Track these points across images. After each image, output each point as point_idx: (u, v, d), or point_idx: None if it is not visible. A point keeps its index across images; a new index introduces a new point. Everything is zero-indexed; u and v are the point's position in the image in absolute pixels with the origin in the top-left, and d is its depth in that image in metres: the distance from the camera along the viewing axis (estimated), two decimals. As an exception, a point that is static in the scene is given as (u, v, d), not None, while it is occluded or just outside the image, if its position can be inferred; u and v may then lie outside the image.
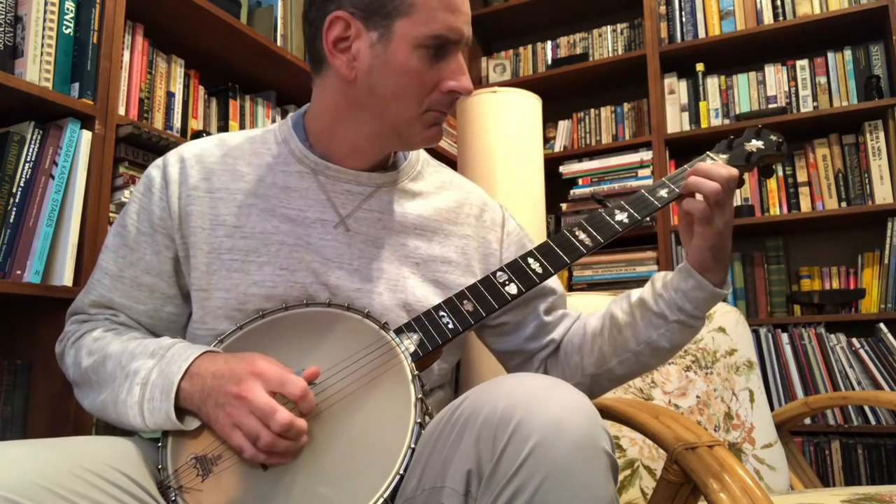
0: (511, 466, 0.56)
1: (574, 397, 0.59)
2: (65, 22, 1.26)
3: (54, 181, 1.19)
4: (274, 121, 1.87)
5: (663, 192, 0.84)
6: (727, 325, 1.41)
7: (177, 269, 0.83)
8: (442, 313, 0.78)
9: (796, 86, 2.35)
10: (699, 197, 0.79)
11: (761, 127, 0.91)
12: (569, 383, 0.62)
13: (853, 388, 2.04)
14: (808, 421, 2.07)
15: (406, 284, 0.83)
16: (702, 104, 2.44)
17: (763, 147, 0.89)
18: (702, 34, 2.45)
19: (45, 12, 1.23)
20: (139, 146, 1.37)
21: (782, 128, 2.22)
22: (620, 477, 1.20)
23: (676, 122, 2.46)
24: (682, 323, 0.81)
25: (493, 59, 2.89)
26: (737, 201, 2.37)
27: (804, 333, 2.15)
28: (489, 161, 1.85)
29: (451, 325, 0.77)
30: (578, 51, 2.73)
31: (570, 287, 2.46)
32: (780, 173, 2.35)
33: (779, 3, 2.36)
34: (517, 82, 2.63)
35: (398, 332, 0.76)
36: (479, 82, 2.88)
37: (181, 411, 0.71)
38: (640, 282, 2.32)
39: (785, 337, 2.16)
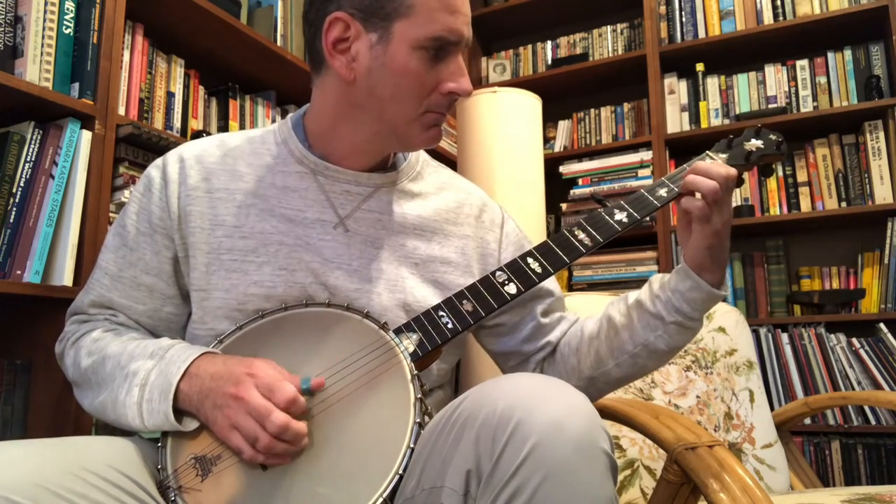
0: (510, 466, 0.56)
1: (573, 397, 0.59)
2: (65, 22, 1.26)
3: (54, 181, 1.19)
4: (274, 121, 1.87)
5: (662, 192, 0.84)
6: (727, 325, 1.42)
7: (176, 270, 0.83)
8: (441, 313, 0.78)
9: (796, 86, 2.35)
10: (698, 196, 0.79)
11: (761, 126, 0.91)
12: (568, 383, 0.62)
13: (853, 388, 2.04)
14: (808, 421, 2.07)
15: (405, 285, 0.83)
16: (702, 104, 2.44)
17: (762, 146, 0.89)
18: (702, 34, 2.45)
19: (45, 12, 1.23)
20: (139, 146, 1.37)
21: (782, 128, 2.22)
22: (620, 477, 1.20)
23: (676, 122, 2.46)
24: (680, 324, 0.81)
25: (493, 59, 2.89)
26: (737, 201, 2.37)
27: (804, 333, 2.15)
28: (489, 161, 1.85)
29: (450, 325, 0.77)
30: (578, 51, 2.73)
31: (570, 287, 2.46)
32: (780, 173, 2.35)
33: (779, 3, 2.36)
34: (517, 82, 2.63)
35: (397, 332, 0.76)
36: (479, 82, 2.88)
37: (180, 412, 0.71)
38: (639, 282, 2.32)
39: (785, 337, 2.16)
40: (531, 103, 1.95)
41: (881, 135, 2.19)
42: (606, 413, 0.96)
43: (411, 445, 0.66)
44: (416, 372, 0.71)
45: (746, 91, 2.41)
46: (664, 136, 2.41)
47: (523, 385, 0.61)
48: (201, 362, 0.72)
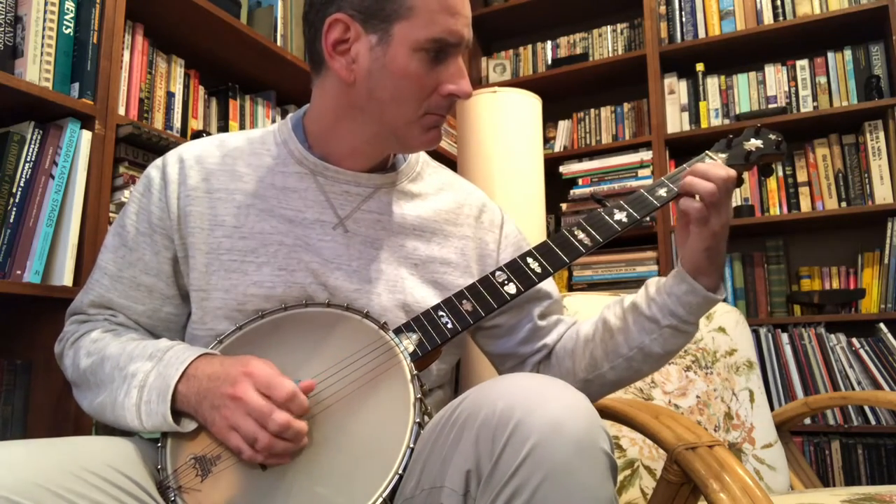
0: (510, 466, 0.56)
1: (573, 397, 0.59)
2: (65, 22, 1.26)
3: (54, 181, 1.19)
4: (274, 121, 1.87)
5: (662, 192, 0.84)
6: (727, 325, 1.42)
7: (175, 270, 0.83)
8: (441, 313, 0.78)
9: (796, 86, 2.35)
10: (697, 197, 0.78)
11: (760, 126, 0.91)
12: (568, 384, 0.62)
13: (853, 388, 2.04)
14: (808, 421, 2.07)
15: (405, 285, 0.83)
16: (702, 104, 2.44)
17: (762, 146, 0.89)
18: (702, 34, 2.45)
19: (45, 12, 1.23)
20: (139, 146, 1.37)
21: (782, 128, 2.22)
22: (620, 477, 1.20)
23: (676, 122, 2.46)
24: (675, 328, 0.80)
25: (493, 59, 2.89)
26: (737, 201, 2.37)
27: (804, 333, 2.15)
28: (489, 161, 1.85)
29: (450, 325, 0.77)
30: (578, 51, 2.73)
31: (570, 287, 2.46)
32: (780, 173, 2.35)
33: (779, 3, 2.36)
34: (517, 82, 2.63)
35: (397, 332, 0.76)
36: (479, 82, 2.88)
37: (178, 413, 0.71)
38: (639, 282, 2.31)
39: (785, 337, 2.16)
40: (531, 103, 1.95)
41: (881, 135, 2.19)
42: (606, 413, 0.96)
43: (411, 445, 0.66)
44: (415, 372, 0.71)
45: (746, 91, 2.41)
46: (664, 136, 2.41)
47: (523, 385, 0.61)
48: (199, 363, 0.72)
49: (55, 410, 1.19)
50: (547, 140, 2.71)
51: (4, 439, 1.12)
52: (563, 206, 2.53)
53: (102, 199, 1.26)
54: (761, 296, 2.32)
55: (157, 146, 1.37)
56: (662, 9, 2.53)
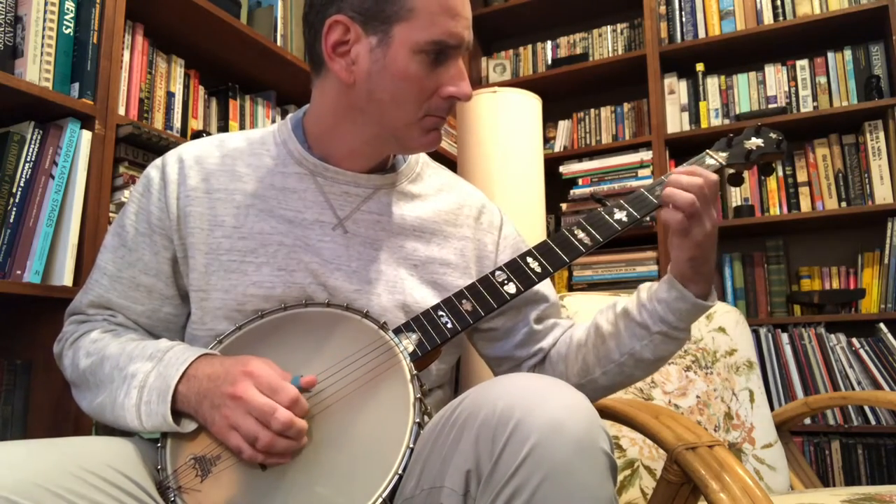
0: (510, 466, 0.56)
1: (573, 397, 0.59)
2: (65, 22, 1.26)
3: (54, 181, 1.19)
4: (274, 121, 1.87)
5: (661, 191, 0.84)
6: (727, 325, 1.41)
7: (175, 270, 0.83)
8: (441, 313, 0.78)
9: (796, 86, 2.35)
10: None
11: (761, 125, 0.91)
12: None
13: (853, 388, 2.04)
14: (808, 421, 2.07)
15: (404, 286, 0.83)
16: (702, 104, 2.44)
17: (762, 145, 0.89)
18: (702, 34, 2.45)
19: (45, 12, 1.23)
20: (139, 146, 1.37)
21: (782, 128, 2.22)
22: (620, 477, 1.20)
23: (676, 122, 2.46)
24: (665, 335, 0.80)
25: (493, 59, 2.89)
26: (737, 201, 2.38)
27: (804, 333, 2.15)
28: (489, 161, 1.85)
29: (449, 325, 0.77)
30: (578, 51, 2.73)
31: (570, 287, 2.46)
32: (780, 173, 2.35)
33: (779, 3, 2.36)
34: (517, 82, 2.63)
35: (397, 332, 0.76)
36: (479, 82, 2.88)
37: (178, 414, 0.71)
38: (639, 281, 2.31)
39: (785, 337, 2.16)
40: (531, 103, 1.95)
41: (881, 135, 2.19)
42: (606, 413, 0.96)
43: (411, 445, 0.66)
44: (415, 372, 0.71)
45: (746, 91, 2.41)
46: (664, 136, 2.41)
47: (523, 385, 0.61)
48: (199, 364, 0.72)
49: (55, 410, 1.19)
50: (547, 140, 2.71)
51: (4, 439, 1.11)
52: (563, 206, 2.53)
53: (102, 199, 1.26)
54: (761, 296, 2.32)
55: (157, 146, 1.37)
56: (662, 9, 2.53)
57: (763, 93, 2.39)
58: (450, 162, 2.41)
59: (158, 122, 1.55)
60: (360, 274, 0.82)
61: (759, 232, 2.36)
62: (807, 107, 2.31)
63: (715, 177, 0.78)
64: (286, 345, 0.76)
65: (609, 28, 2.69)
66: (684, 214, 0.76)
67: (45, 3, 1.23)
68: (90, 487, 0.63)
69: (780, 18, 2.34)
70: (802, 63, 2.34)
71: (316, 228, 0.82)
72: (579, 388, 0.85)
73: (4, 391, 1.19)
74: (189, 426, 0.71)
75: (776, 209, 2.33)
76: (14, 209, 1.15)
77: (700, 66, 2.46)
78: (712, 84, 2.46)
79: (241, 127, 1.79)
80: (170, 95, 1.59)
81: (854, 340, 2.09)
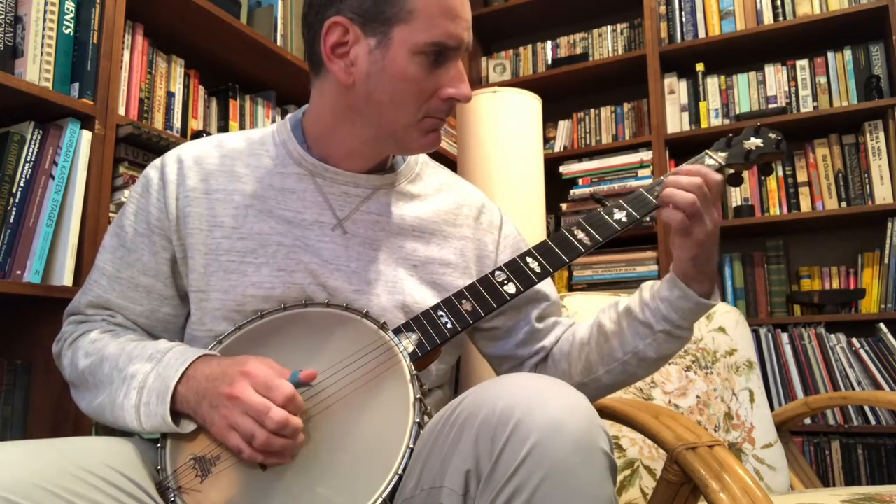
0: (510, 466, 0.56)
1: (572, 397, 0.59)
2: (65, 22, 1.26)
3: (54, 181, 1.19)
4: (274, 121, 1.87)
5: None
6: (727, 325, 1.41)
7: (174, 270, 0.83)
8: (441, 313, 0.78)
9: (796, 86, 2.35)
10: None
11: (760, 125, 0.91)
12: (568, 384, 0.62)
13: (853, 388, 2.04)
14: (808, 421, 2.07)
15: (404, 286, 0.83)
16: (702, 104, 2.44)
17: (762, 145, 0.89)
18: (702, 34, 2.45)
19: (45, 12, 1.23)
20: (139, 146, 1.37)
21: (782, 128, 2.21)
22: (620, 477, 1.20)
23: (676, 122, 2.46)
24: (668, 333, 0.80)
25: (493, 59, 2.89)
26: (737, 201, 2.38)
27: (804, 333, 2.15)
28: (489, 161, 1.85)
29: (449, 325, 0.77)
30: (578, 51, 2.73)
31: (570, 287, 2.46)
32: (780, 173, 2.35)
33: (779, 3, 2.36)
34: (517, 82, 2.63)
35: (397, 332, 0.76)
36: (479, 82, 2.88)
37: (178, 414, 0.71)
38: (639, 281, 2.31)
39: (785, 337, 2.16)
40: (531, 103, 1.95)
41: (881, 135, 2.19)
42: (606, 413, 0.96)
43: (411, 445, 0.65)
44: (415, 372, 0.71)
45: (746, 91, 2.41)
46: (664, 136, 2.41)
47: (523, 385, 0.61)
48: (198, 364, 0.72)
49: (55, 410, 1.19)
50: (547, 140, 2.71)
51: (4, 439, 1.11)
52: (563, 206, 2.53)
53: (102, 199, 1.26)
54: (761, 296, 2.32)
55: (157, 146, 1.37)
56: (662, 9, 2.53)
57: (763, 93, 2.39)
58: (450, 162, 2.41)
59: (158, 122, 1.55)
60: (360, 274, 0.81)
61: (759, 232, 2.36)
62: (807, 107, 2.31)
63: (719, 176, 0.77)
64: (286, 345, 0.76)
65: (609, 28, 2.69)
66: (685, 214, 0.75)
67: (45, 3, 1.23)
68: (89, 487, 0.63)
69: (780, 18, 2.34)
70: (802, 63, 2.34)
71: (315, 229, 0.82)
72: (582, 387, 0.86)
73: (4, 391, 1.19)
74: (188, 427, 0.71)
75: (776, 209, 2.32)
76: (14, 209, 1.15)
77: (700, 66, 2.46)
78: (712, 84, 2.46)
79: (241, 127, 1.79)
80: (170, 95, 1.59)
81: (854, 340, 2.09)
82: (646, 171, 2.42)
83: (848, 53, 2.28)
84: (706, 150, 0.89)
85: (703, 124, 2.43)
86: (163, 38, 1.58)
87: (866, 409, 2.06)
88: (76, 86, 1.27)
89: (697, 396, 1.30)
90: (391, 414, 0.68)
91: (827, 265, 2.29)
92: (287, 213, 0.82)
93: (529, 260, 0.81)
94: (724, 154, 0.88)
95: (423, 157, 0.95)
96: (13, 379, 1.20)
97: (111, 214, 1.30)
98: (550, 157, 2.55)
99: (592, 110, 2.67)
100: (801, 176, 2.33)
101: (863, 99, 2.23)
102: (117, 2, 1.34)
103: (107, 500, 0.64)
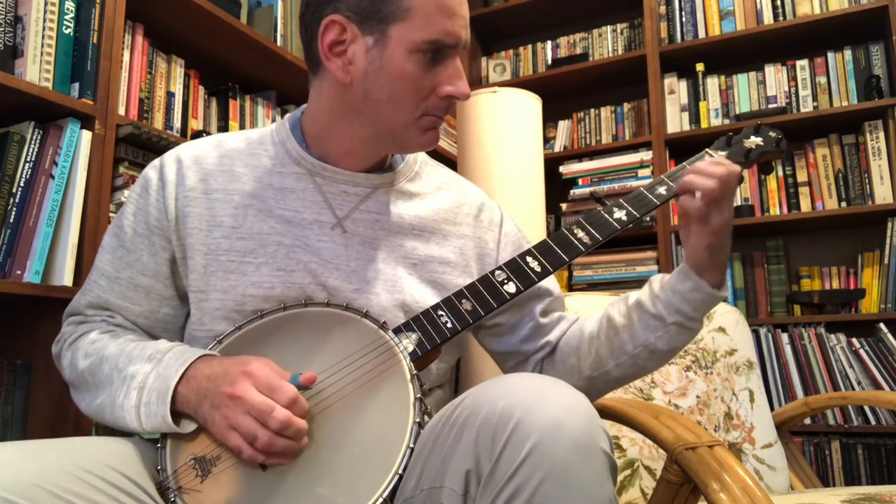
0: (510, 466, 0.56)
1: (573, 397, 0.59)
2: (65, 22, 1.26)
3: (54, 181, 1.19)
4: (274, 121, 1.87)
5: (662, 190, 0.84)
6: (727, 325, 1.41)
7: (173, 271, 0.83)
8: (440, 312, 0.78)
9: (796, 86, 2.35)
10: (697, 195, 0.78)
11: (760, 123, 0.91)
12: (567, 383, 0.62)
13: (853, 388, 2.04)
14: (808, 421, 2.07)
15: (403, 285, 0.83)
16: (702, 104, 2.44)
17: (762, 144, 0.89)
18: (702, 34, 2.45)
19: (45, 12, 1.23)
20: (139, 146, 1.37)
21: (782, 128, 2.22)
22: (620, 477, 1.20)
23: (676, 122, 2.46)
24: (680, 325, 0.80)
25: (493, 59, 2.89)
26: (737, 201, 2.37)
27: (804, 333, 2.15)
28: (489, 161, 1.85)
29: (449, 325, 0.77)
30: (578, 51, 2.73)
31: (570, 287, 2.46)
32: (780, 173, 2.35)
33: (779, 3, 2.36)
34: (517, 82, 2.63)
35: (397, 331, 0.76)
36: (479, 82, 2.88)
37: (178, 414, 0.71)
38: (639, 282, 2.32)
39: (785, 337, 2.16)
40: (531, 103, 1.95)
41: (881, 135, 2.19)
42: (606, 413, 0.96)
43: (411, 445, 0.65)
44: (415, 371, 0.71)
45: (746, 91, 2.41)
46: (664, 136, 2.41)
47: (523, 385, 0.61)
48: (198, 364, 0.72)
49: (55, 410, 1.19)
50: (547, 140, 2.71)
51: (4, 439, 1.11)
52: (563, 206, 2.53)
53: (102, 199, 1.26)
54: (761, 296, 2.32)
55: (157, 146, 1.37)
56: (662, 9, 2.53)
57: (763, 93, 2.39)
58: (450, 162, 2.41)
59: (158, 122, 1.55)
60: (359, 273, 0.81)
61: (759, 232, 2.37)
62: (807, 107, 2.31)
63: (738, 168, 0.78)
64: (286, 345, 0.76)
65: (609, 28, 2.69)
66: (704, 201, 0.76)
67: (45, 3, 1.23)
68: (89, 488, 0.63)
69: (780, 18, 2.34)
70: (802, 63, 2.35)
71: (315, 228, 0.82)
72: (592, 381, 0.86)
73: (4, 391, 1.19)
74: (188, 427, 0.71)
75: (776, 209, 2.32)
76: (14, 209, 1.15)
77: (700, 66, 2.46)
78: (712, 84, 2.46)
79: (241, 127, 1.79)
80: (170, 95, 1.59)
81: (854, 340, 2.09)
82: (646, 171, 2.42)
83: (848, 53, 2.28)
84: (706, 149, 0.89)
85: (703, 124, 2.43)
86: (163, 38, 1.58)
87: (866, 409, 2.06)
88: (76, 86, 1.27)
89: (697, 396, 1.30)
90: (391, 414, 0.68)
91: (827, 265, 2.29)
92: (286, 212, 0.82)
93: (529, 259, 0.81)
94: (724, 153, 0.88)
95: (421, 156, 0.95)
96: (13, 379, 1.20)
97: (111, 214, 1.30)
98: (550, 157, 2.55)
99: (592, 110, 2.67)
100: (801, 176, 2.33)
101: (863, 99, 2.23)
102: (117, 2, 1.34)
103: (107, 501, 0.63)
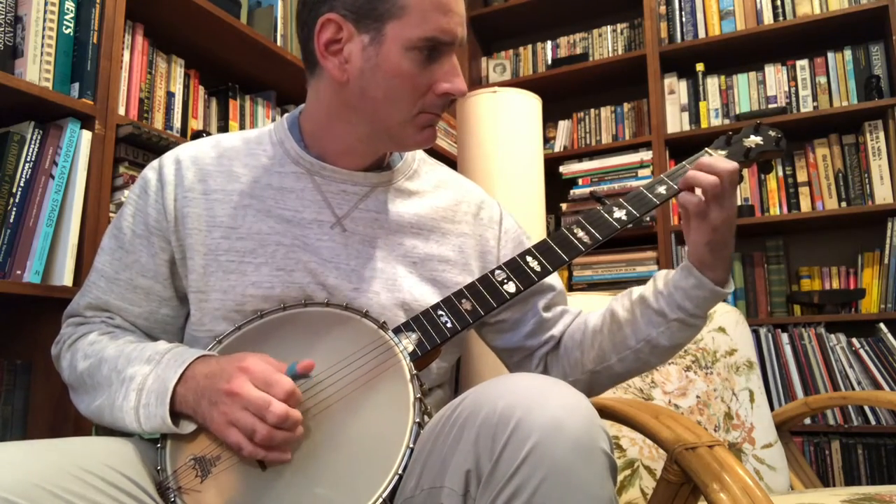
0: (510, 466, 0.55)
1: (572, 397, 0.59)
2: (65, 22, 1.26)
3: (54, 181, 1.19)
4: (274, 121, 1.87)
5: (661, 189, 0.84)
6: (727, 325, 1.41)
7: (172, 272, 0.83)
8: (440, 312, 0.78)
9: (796, 86, 2.35)
10: (698, 191, 0.78)
11: (760, 123, 0.91)
12: (567, 383, 0.62)
13: (853, 388, 2.04)
14: (808, 421, 2.07)
15: (403, 284, 0.83)
16: (702, 104, 2.44)
17: (762, 143, 0.89)
18: (702, 34, 2.45)
19: (45, 12, 1.23)
20: (139, 146, 1.37)
21: (782, 128, 2.21)
22: (620, 477, 1.20)
23: (676, 122, 2.46)
24: (682, 322, 0.81)
25: (493, 59, 2.89)
26: (737, 201, 2.37)
27: (804, 333, 2.15)
28: (489, 161, 1.85)
29: (449, 325, 0.77)
30: (578, 51, 2.73)
31: (571, 287, 2.46)
32: (780, 173, 2.35)
33: (779, 3, 2.36)
34: (517, 82, 2.63)
35: (396, 331, 0.76)
36: (479, 82, 2.88)
37: (177, 415, 0.71)
38: (639, 282, 2.31)
39: (785, 337, 2.16)
40: (531, 103, 1.95)
41: (881, 135, 2.19)
42: (606, 413, 0.96)
43: (411, 445, 0.65)
44: (415, 371, 0.71)
45: (746, 91, 2.41)
46: (664, 136, 2.41)
47: (523, 385, 0.61)
48: (196, 364, 0.72)
49: (55, 411, 1.19)
50: (547, 140, 2.71)
51: (4, 439, 1.11)
52: (563, 206, 2.53)
53: (102, 199, 1.26)
54: (761, 296, 2.32)
55: (157, 146, 1.37)
56: (662, 9, 2.53)
57: (763, 93, 2.39)
58: (450, 162, 2.41)
59: (158, 122, 1.55)
60: (359, 272, 0.81)
61: (759, 232, 2.37)
62: (807, 107, 2.31)
63: (737, 165, 0.78)
64: (286, 345, 0.76)
65: (609, 28, 2.69)
66: (705, 197, 0.76)
67: (45, 3, 1.23)
68: (89, 488, 0.63)
69: (780, 18, 2.34)
70: (802, 63, 2.35)
71: (314, 227, 0.82)
72: (595, 375, 0.87)
73: (4, 391, 1.19)
74: (188, 427, 0.71)
75: (776, 209, 2.32)
76: (14, 209, 1.15)
77: (700, 66, 2.46)
78: (712, 84, 2.46)
79: (241, 127, 1.79)
80: (170, 95, 1.59)
81: (854, 340, 2.09)
82: (646, 171, 2.42)
83: (848, 53, 2.28)
84: (705, 149, 0.89)
85: (703, 124, 2.43)
86: (163, 38, 1.58)
87: (866, 409, 2.06)
88: (76, 86, 1.27)
89: (697, 396, 1.30)
90: (391, 413, 0.68)
91: (827, 265, 2.29)
92: (286, 212, 0.82)
93: (529, 259, 0.82)
94: (723, 152, 0.88)
95: (420, 154, 0.95)
96: (13, 379, 1.20)
97: (111, 214, 1.30)
98: (550, 157, 2.55)
99: (592, 110, 2.67)
100: (801, 176, 2.33)
101: (863, 99, 2.23)
102: (117, 2, 1.34)
103: (107, 501, 0.63)
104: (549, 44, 2.79)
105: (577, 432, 0.56)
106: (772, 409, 1.40)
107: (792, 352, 2.15)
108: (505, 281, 0.80)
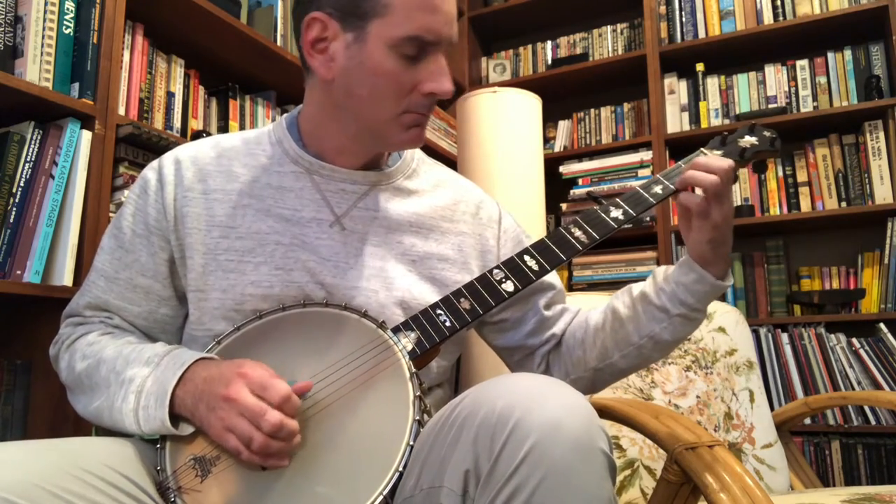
0: (509, 466, 0.56)
1: (572, 397, 0.59)
2: (65, 22, 1.26)
3: (54, 181, 1.20)
4: (274, 121, 1.87)
5: (658, 189, 0.84)
6: (727, 325, 1.41)
7: (172, 271, 0.83)
8: (439, 311, 0.78)
9: (796, 86, 2.35)
10: (698, 191, 0.79)
11: (755, 123, 0.91)
12: (570, 380, 0.62)
13: (853, 388, 2.04)
14: (808, 421, 2.07)
15: (402, 282, 0.83)
16: (702, 104, 2.44)
17: (757, 143, 0.89)
18: (702, 34, 2.45)
19: (45, 12, 1.23)
20: (139, 146, 1.37)
21: (782, 128, 2.22)
22: (620, 477, 1.20)
23: (676, 122, 2.46)
24: (685, 316, 0.81)
25: (493, 59, 2.89)
26: (737, 201, 2.37)
27: (804, 333, 2.15)
28: (489, 161, 1.85)
29: (448, 324, 0.77)
30: (578, 51, 2.73)
31: (570, 287, 2.46)
32: (780, 173, 2.35)
33: (779, 3, 2.36)
34: (517, 82, 2.63)
35: (395, 330, 0.76)
36: (479, 82, 2.88)
37: (176, 417, 0.71)
38: (639, 282, 2.31)
39: (785, 337, 2.16)
40: (531, 103, 1.95)
41: (881, 135, 2.19)
42: (606, 413, 0.96)
43: (411, 443, 0.66)
44: (414, 370, 0.71)
45: (746, 91, 2.41)
46: (664, 136, 2.41)
47: (522, 385, 0.61)
48: (195, 367, 0.72)
49: (55, 411, 1.19)
50: (547, 140, 2.71)
51: (4, 439, 1.12)
52: (563, 206, 2.53)
53: (102, 199, 1.26)
54: (761, 296, 2.31)
55: (157, 146, 1.37)
56: (662, 9, 2.53)
57: (763, 93, 2.39)
58: (450, 162, 2.41)
59: (158, 122, 1.55)
60: (358, 271, 0.82)
61: (759, 232, 2.36)
62: (807, 107, 2.31)
63: (733, 163, 0.79)
64: (285, 345, 0.76)
65: (609, 28, 2.69)
66: (706, 196, 0.77)
67: (45, 3, 1.23)
68: (89, 488, 0.63)
69: (780, 18, 2.34)
70: (802, 63, 2.34)
71: (313, 226, 0.82)
72: (598, 372, 0.87)
73: (4, 391, 1.19)
74: (187, 429, 0.71)
75: (776, 209, 2.32)
76: (14, 209, 1.15)
77: (700, 66, 2.46)
78: (712, 84, 2.46)
79: (241, 127, 1.79)
80: (170, 95, 1.59)
81: (854, 340, 2.09)
82: (646, 171, 2.42)
83: (848, 53, 2.28)
84: (701, 149, 0.89)
85: (703, 124, 2.43)
86: (163, 38, 1.58)
87: (866, 409, 2.06)
88: (76, 86, 1.27)
89: (697, 396, 1.30)
90: (391, 412, 0.68)
91: (827, 265, 2.29)
92: (285, 211, 0.82)
93: (527, 258, 0.82)
94: (718, 152, 0.88)
95: (418, 154, 0.95)
96: (13, 379, 1.20)
97: (111, 214, 1.30)
98: (550, 157, 2.55)
99: (592, 110, 2.67)
100: (801, 176, 2.33)
101: (863, 99, 2.23)
102: (117, 2, 1.34)
103: (106, 501, 0.63)
104: (549, 44, 2.79)
105: (576, 432, 0.56)
106: (772, 409, 1.40)
107: (792, 352, 2.14)
108: (503, 280, 0.80)
